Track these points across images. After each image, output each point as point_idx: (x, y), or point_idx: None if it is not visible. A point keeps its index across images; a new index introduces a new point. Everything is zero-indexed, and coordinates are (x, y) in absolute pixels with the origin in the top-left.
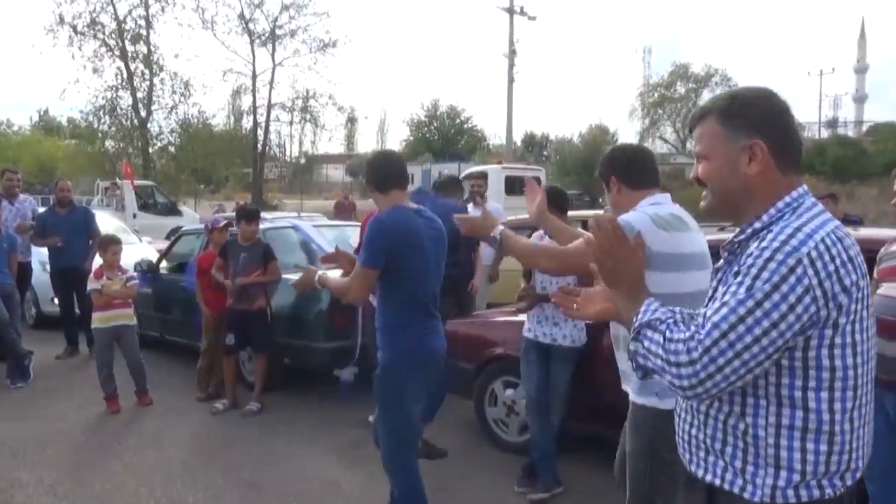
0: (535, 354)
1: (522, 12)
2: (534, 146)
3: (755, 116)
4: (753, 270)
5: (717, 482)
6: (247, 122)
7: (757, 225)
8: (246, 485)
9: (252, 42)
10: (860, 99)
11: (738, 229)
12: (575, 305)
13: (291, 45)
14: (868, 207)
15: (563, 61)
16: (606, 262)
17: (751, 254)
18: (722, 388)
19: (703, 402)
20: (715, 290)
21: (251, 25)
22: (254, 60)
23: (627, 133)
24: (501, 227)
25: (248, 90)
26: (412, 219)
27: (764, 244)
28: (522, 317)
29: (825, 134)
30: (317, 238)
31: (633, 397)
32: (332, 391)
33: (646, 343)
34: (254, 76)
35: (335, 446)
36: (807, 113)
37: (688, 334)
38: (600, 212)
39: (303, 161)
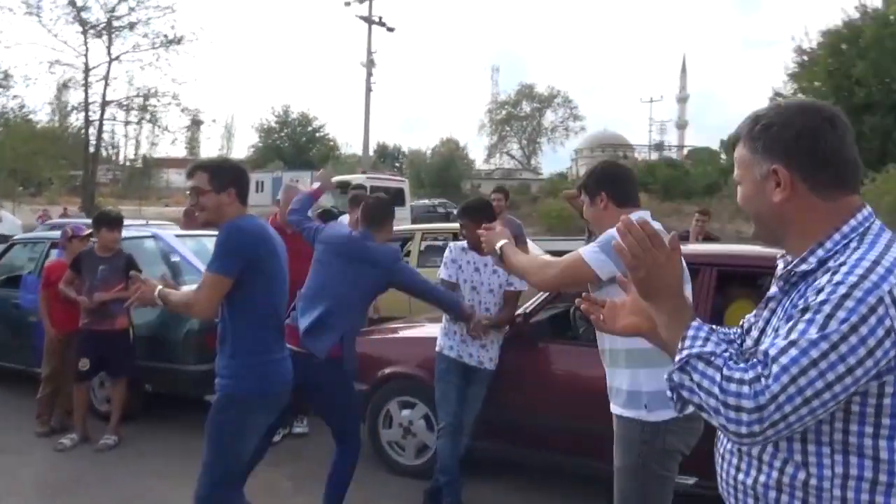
0: (456, 375)
1: (381, 23)
2: (386, 157)
3: (774, 140)
4: (827, 308)
5: None
6: (76, 120)
7: (820, 253)
8: None
9: (85, 33)
10: (682, 125)
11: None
12: (601, 317)
13: (131, 39)
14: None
15: (414, 74)
16: (639, 271)
17: (821, 288)
18: (782, 434)
19: (756, 446)
20: (767, 321)
21: (84, 14)
22: (87, 53)
23: (477, 148)
24: (505, 241)
25: (78, 85)
26: (268, 227)
27: (838, 278)
28: (424, 332)
29: (654, 156)
30: (180, 248)
31: (619, 411)
32: (200, 420)
33: (696, 377)
34: (86, 70)
35: None
36: (639, 136)
37: (751, 375)
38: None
39: (139, 164)
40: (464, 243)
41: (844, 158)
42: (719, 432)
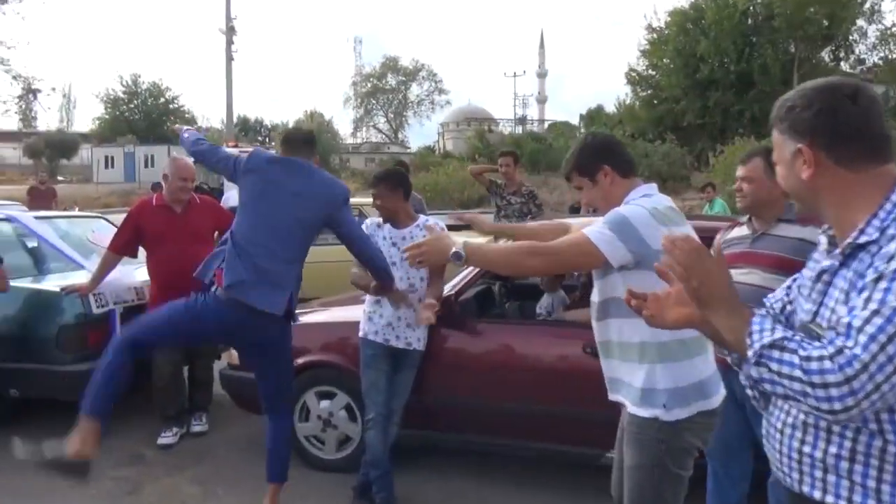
0: (385, 362)
1: None
2: (248, 130)
3: (797, 120)
4: None
5: (841, 503)
6: None
7: (876, 223)
8: None
9: None
10: (542, 100)
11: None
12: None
13: None
14: (566, 195)
15: (274, 44)
16: (691, 282)
17: (892, 256)
18: (876, 406)
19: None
20: (823, 293)
21: None
22: None
23: (343, 121)
24: (463, 241)
25: None
26: None
27: None
28: (339, 317)
29: (518, 130)
30: (44, 233)
31: (633, 409)
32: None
33: (774, 366)
34: None
35: (103, 495)
36: (504, 110)
37: (831, 350)
38: None
39: None
40: (378, 218)
41: (870, 131)
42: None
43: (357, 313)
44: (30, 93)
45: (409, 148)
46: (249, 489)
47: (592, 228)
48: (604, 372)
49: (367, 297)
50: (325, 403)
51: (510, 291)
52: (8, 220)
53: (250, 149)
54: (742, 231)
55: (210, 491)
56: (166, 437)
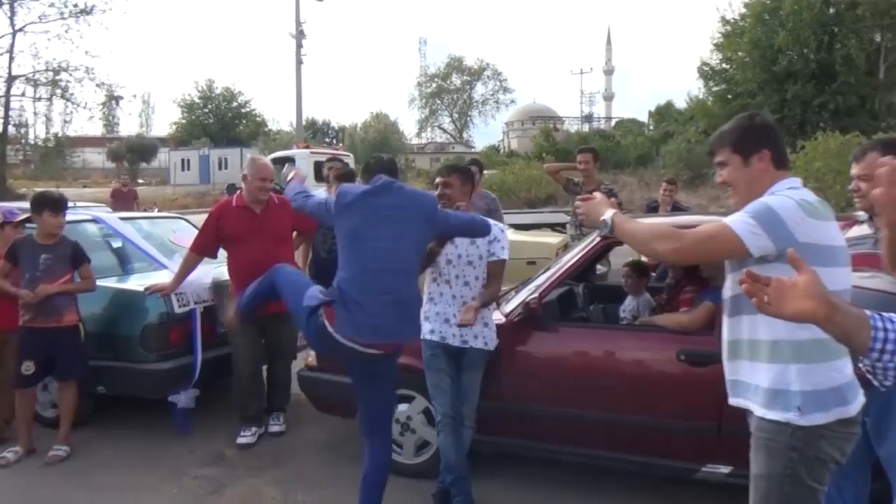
0: (445, 361)
1: None
2: (316, 132)
3: None
4: None
5: None
6: None
7: None
8: None
9: None
10: (609, 97)
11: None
12: (766, 298)
13: (37, 9)
14: (636, 193)
15: (341, 47)
16: (785, 311)
17: None
18: None
19: None
20: None
21: None
22: None
23: (408, 121)
24: (613, 210)
25: None
26: None
27: None
28: None
29: (585, 128)
30: (128, 233)
31: (760, 412)
32: (160, 422)
33: None
34: None
35: (186, 494)
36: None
37: None
38: None
39: (51, 143)
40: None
41: None
42: None
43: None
44: (112, 100)
45: (473, 147)
46: (329, 495)
47: (733, 217)
48: (726, 375)
49: (424, 297)
50: (402, 407)
51: (593, 293)
52: (95, 220)
53: (323, 151)
54: (863, 230)
55: (290, 494)
56: (245, 437)
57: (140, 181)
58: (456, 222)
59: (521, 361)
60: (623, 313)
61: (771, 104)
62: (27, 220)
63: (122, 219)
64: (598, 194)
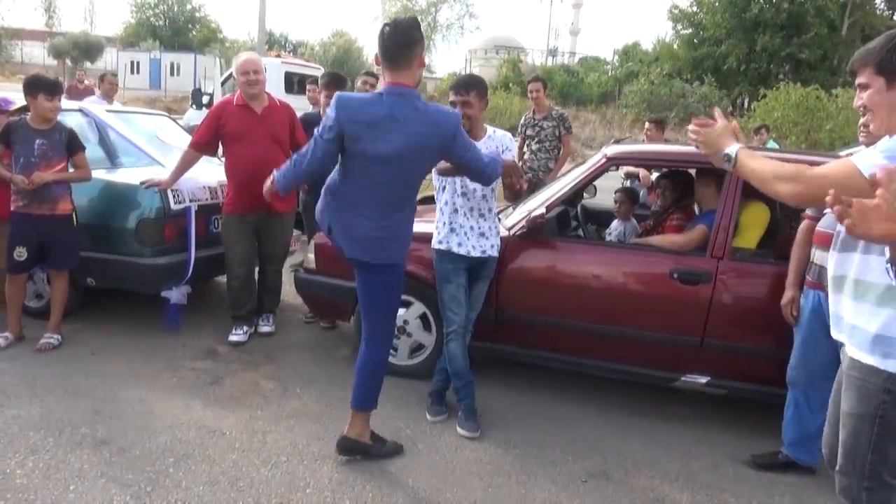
0: (464, 274)
1: None
2: (272, 44)
3: None
4: None
5: None
6: None
7: None
8: (92, 444)
9: None
10: (575, 32)
11: None
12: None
13: None
14: (598, 131)
15: None
16: (872, 233)
17: None
18: None
19: None
20: None
21: None
22: None
23: (372, 41)
24: (740, 146)
25: None
26: None
27: None
28: (419, 227)
29: (549, 61)
30: (118, 126)
31: (855, 354)
32: (146, 317)
33: None
34: None
35: (187, 384)
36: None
37: None
38: None
39: None
40: None
41: None
42: None
43: (431, 225)
44: None
45: (434, 72)
46: (324, 391)
47: (861, 157)
48: (830, 306)
49: (441, 210)
50: (400, 311)
51: (583, 215)
52: (81, 111)
53: (294, 62)
54: None
55: (289, 388)
56: (237, 335)
57: (85, 82)
58: (470, 158)
59: (521, 273)
60: (609, 236)
61: (738, 54)
62: (23, 108)
63: (108, 111)
64: (720, 119)
